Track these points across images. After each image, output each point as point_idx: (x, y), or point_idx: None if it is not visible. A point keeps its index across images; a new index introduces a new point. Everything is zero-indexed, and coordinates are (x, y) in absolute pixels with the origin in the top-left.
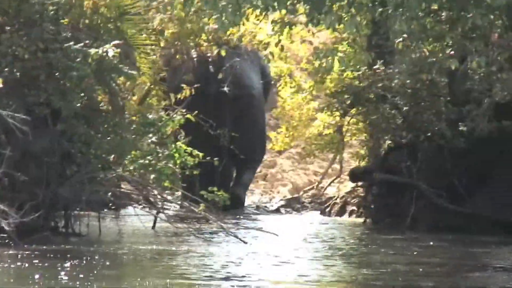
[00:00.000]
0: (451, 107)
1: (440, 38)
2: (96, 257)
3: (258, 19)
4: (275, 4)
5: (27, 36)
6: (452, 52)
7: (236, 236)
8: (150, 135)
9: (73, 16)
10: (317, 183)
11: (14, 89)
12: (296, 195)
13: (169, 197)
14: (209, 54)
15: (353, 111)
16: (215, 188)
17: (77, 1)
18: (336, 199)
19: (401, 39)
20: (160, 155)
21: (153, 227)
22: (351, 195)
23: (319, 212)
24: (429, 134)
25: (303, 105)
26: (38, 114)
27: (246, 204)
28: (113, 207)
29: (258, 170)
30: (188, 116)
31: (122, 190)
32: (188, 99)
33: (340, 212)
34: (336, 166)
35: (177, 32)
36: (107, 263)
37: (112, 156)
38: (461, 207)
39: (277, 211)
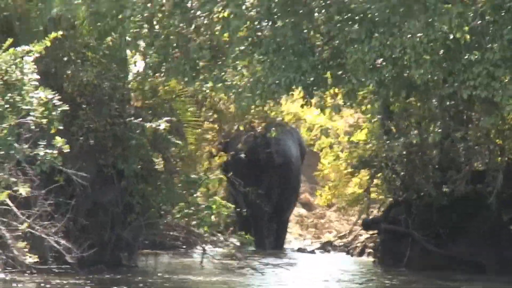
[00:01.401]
0: (437, 173)
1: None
2: (141, 284)
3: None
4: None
5: (99, 113)
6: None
7: (254, 269)
8: (195, 190)
9: (137, 97)
10: (349, 230)
11: (88, 154)
12: (331, 240)
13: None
14: (259, 129)
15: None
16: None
17: (140, 86)
18: (357, 243)
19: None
20: (202, 206)
21: (201, 262)
22: (369, 240)
23: (344, 253)
24: (420, 193)
25: (341, 169)
26: (106, 174)
27: (292, 246)
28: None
29: (310, 220)
30: (222, 176)
31: (173, 233)
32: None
33: (360, 253)
34: None
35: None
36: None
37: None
38: (445, 251)
39: (312, 252)
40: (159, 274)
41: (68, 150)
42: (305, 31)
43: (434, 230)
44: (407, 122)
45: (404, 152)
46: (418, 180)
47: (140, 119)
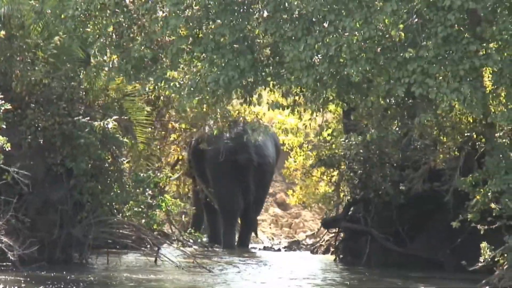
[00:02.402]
0: (394, 171)
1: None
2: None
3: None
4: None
5: (47, 112)
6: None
7: (202, 266)
8: (147, 188)
9: (87, 97)
10: (317, 229)
11: (37, 153)
12: (297, 239)
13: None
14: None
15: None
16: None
17: (90, 86)
18: (322, 241)
19: None
20: (153, 204)
21: (155, 261)
22: (333, 238)
23: (309, 251)
24: (378, 192)
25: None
26: (56, 172)
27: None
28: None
29: (285, 220)
30: (169, 174)
31: (122, 231)
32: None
33: (324, 251)
34: None
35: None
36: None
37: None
38: (403, 249)
39: (278, 250)
40: (109, 272)
41: (9, 149)
42: (243, 29)
43: (393, 228)
44: (366, 121)
45: (361, 151)
46: (375, 178)
47: (88, 118)
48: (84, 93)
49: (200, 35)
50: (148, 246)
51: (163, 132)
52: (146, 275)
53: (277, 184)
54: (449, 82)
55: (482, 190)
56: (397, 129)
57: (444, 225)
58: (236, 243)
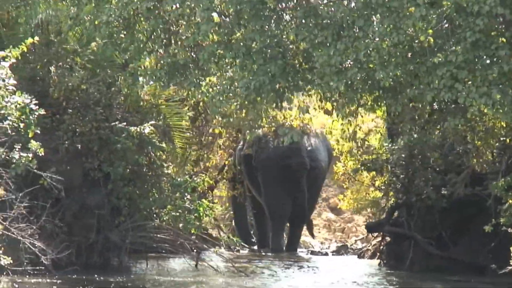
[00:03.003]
0: (436, 176)
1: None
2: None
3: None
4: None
5: (84, 117)
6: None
7: (239, 270)
8: (186, 193)
9: (125, 102)
10: (366, 234)
11: (74, 158)
12: (345, 243)
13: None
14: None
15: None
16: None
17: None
18: (369, 246)
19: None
20: (191, 208)
21: (196, 265)
22: (380, 243)
23: (356, 256)
24: (420, 196)
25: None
26: (93, 177)
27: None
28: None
29: (338, 224)
30: (207, 179)
31: (160, 236)
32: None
33: (371, 256)
34: None
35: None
36: None
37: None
38: (446, 253)
39: (325, 254)
40: (147, 276)
41: (42, 154)
42: (274, 35)
43: (436, 232)
44: (409, 125)
45: (403, 155)
46: (417, 182)
47: (125, 123)
48: (122, 98)
49: (232, 41)
50: (187, 251)
51: (202, 138)
52: (184, 278)
53: (330, 189)
54: (478, 87)
55: None
56: (440, 133)
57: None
58: (284, 247)
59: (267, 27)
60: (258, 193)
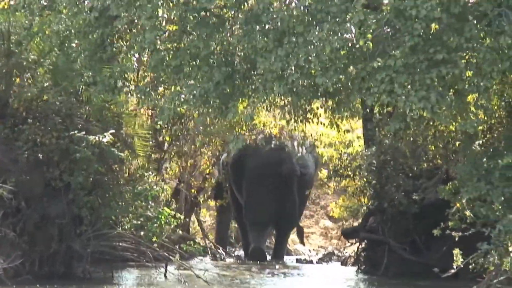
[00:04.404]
0: (407, 181)
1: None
2: None
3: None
4: None
5: (44, 127)
6: None
7: (198, 276)
8: (146, 201)
9: (86, 112)
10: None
11: (35, 167)
12: (331, 251)
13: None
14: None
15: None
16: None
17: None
18: (352, 252)
19: None
20: (152, 216)
21: (165, 274)
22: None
23: (340, 263)
24: (392, 202)
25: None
26: (54, 187)
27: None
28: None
29: (334, 232)
30: (167, 187)
31: (122, 245)
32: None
33: (354, 262)
34: None
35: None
36: None
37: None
38: (419, 258)
39: (310, 262)
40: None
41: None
42: (218, 42)
43: (410, 237)
44: (383, 131)
45: (374, 161)
46: (388, 188)
47: (84, 132)
48: (87, 108)
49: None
50: (149, 259)
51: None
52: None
53: (329, 196)
54: (417, 91)
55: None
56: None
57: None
58: (271, 255)
59: (213, 34)
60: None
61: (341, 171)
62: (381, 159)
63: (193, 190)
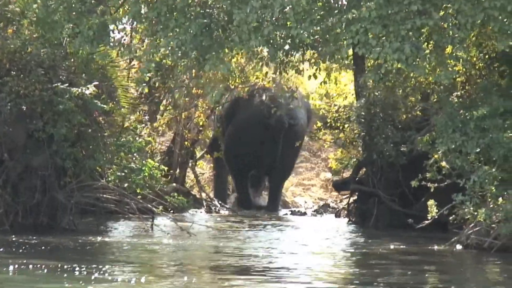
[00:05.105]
0: (395, 133)
1: None
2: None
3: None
4: None
5: (27, 79)
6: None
7: (182, 228)
8: (130, 153)
9: (71, 64)
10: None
11: (18, 119)
12: (327, 203)
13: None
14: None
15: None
16: None
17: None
18: (346, 205)
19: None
20: (136, 168)
21: (151, 227)
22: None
23: (333, 214)
24: (380, 154)
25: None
26: (37, 138)
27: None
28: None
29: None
30: (150, 139)
31: (106, 196)
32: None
33: (348, 215)
34: None
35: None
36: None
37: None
38: (408, 210)
39: (304, 214)
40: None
41: None
42: None
43: (399, 189)
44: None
45: (363, 113)
46: (377, 140)
47: (67, 84)
48: (72, 60)
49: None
50: (133, 211)
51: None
52: (132, 239)
53: (330, 149)
54: (391, 42)
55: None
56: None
57: (447, 185)
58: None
59: None
60: None
61: (331, 123)
62: (371, 111)
63: (187, 143)
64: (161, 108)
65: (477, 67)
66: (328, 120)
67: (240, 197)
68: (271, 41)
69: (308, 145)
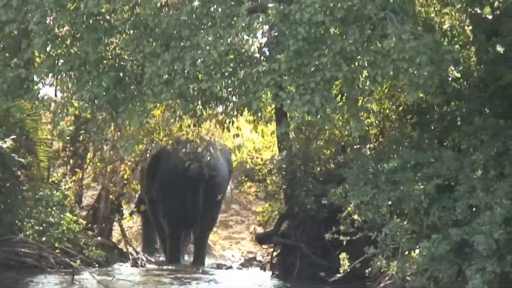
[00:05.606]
0: (316, 185)
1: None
2: None
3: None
4: None
5: None
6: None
7: (99, 282)
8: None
9: None
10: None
11: None
12: (253, 256)
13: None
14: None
15: None
16: None
17: None
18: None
19: None
20: (54, 222)
21: (72, 280)
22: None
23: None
24: (302, 206)
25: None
26: None
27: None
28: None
29: None
30: (68, 193)
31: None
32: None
33: (272, 268)
34: None
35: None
36: None
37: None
38: (330, 262)
39: (230, 267)
40: None
41: None
42: (106, 47)
43: (321, 242)
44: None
45: (284, 166)
46: (298, 193)
47: None
48: None
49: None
50: (50, 265)
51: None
52: None
53: (260, 202)
54: (302, 94)
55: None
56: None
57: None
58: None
59: (102, 39)
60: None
61: (255, 175)
62: (292, 163)
63: (112, 196)
64: (87, 161)
65: (390, 119)
66: (248, 173)
67: (167, 251)
68: (184, 94)
69: (238, 198)
